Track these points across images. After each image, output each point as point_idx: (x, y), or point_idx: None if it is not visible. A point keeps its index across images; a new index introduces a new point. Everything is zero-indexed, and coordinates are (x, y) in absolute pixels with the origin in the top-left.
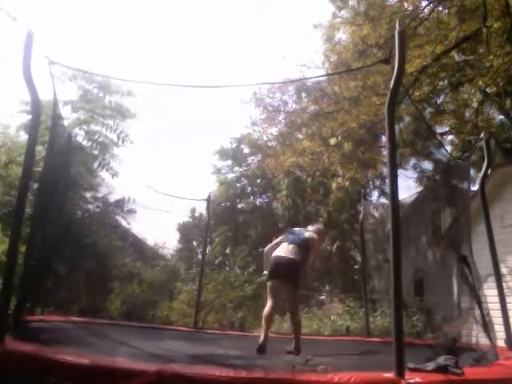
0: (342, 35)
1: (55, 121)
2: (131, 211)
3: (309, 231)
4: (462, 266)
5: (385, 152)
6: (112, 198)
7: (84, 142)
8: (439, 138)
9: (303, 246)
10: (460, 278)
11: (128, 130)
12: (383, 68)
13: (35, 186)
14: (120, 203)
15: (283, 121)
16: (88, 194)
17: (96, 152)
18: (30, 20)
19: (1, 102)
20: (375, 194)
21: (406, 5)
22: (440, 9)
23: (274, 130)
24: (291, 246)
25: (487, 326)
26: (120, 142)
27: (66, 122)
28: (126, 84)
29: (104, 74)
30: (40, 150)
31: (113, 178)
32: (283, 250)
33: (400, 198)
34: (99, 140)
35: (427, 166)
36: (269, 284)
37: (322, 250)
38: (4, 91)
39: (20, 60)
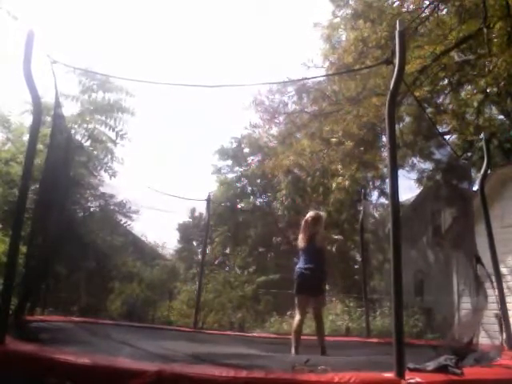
0: (342, 36)
1: (57, 120)
2: (134, 213)
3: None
4: (475, 266)
5: (385, 152)
6: (114, 199)
7: (83, 140)
8: (441, 137)
9: (319, 251)
10: (471, 277)
11: (127, 128)
12: (383, 70)
13: (36, 185)
14: (121, 204)
15: (283, 121)
16: (88, 194)
17: (95, 152)
18: (31, 19)
19: (2, 101)
20: (375, 194)
21: (406, 6)
22: (442, 8)
23: (274, 131)
24: (310, 254)
25: (502, 325)
26: (119, 140)
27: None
28: (126, 83)
29: (105, 73)
30: (41, 150)
31: (111, 178)
32: (306, 258)
33: (401, 199)
34: (98, 138)
35: (428, 166)
36: (297, 298)
37: (325, 236)
38: (5, 90)
39: (21, 59)
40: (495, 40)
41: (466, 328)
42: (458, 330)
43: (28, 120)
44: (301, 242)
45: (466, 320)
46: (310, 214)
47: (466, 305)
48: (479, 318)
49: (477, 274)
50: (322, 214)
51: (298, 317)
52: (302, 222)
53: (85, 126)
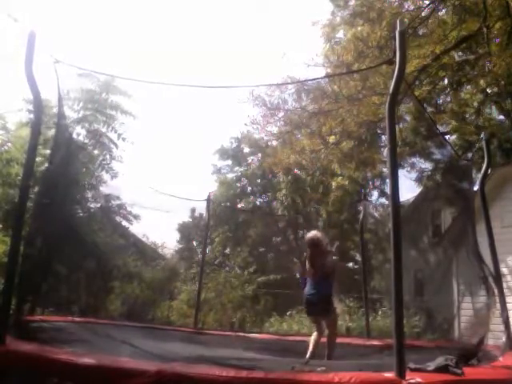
0: (342, 36)
1: (60, 120)
2: (135, 217)
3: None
4: (481, 264)
5: (385, 151)
6: (116, 201)
7: (85, 141)
8: (441, 136)
9: (326, 275)
10: (477, 276)
11: (128, 129)
12: (382, 68)
13: (36, 185)
14: (122, 206)
15: (282, 119)
16: (89, 194)
17: (96, 151)
18: (32, 20)
19: (2, 101)
20: (375, 194)
21: (406, 6)
22: (441, 7)
23: (274, 129)
24: (316, 280)
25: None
26: (120, 142)
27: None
28: (128, 85)
29: (106, 73)
30: (40, 150)
31: (112, 179)
32: (311, 285)
33: (401, 199)
34: (100, 139)
35: (428, 165)
36: (309, 318)
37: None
38: (5, 90)
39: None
40: (495, 40)
41: (477, 328)
42: (469, 330)
43: (24, 118)
44: (309, 272)
45: (476, 320)
46: (310, 236)
47: (466, 305)
48: (489, 317)
49: (484, 273)
50: (320, 235)
51: (314, 332)
52: (306, 251)
53: (86, 126)
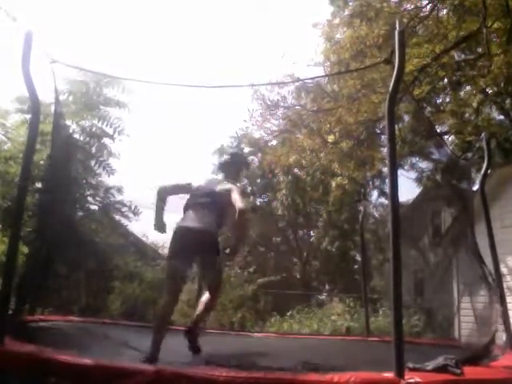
0: (342, 35)
1: (57, 120)
2: (135, 213)
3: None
4: (483, 264)
5: (384, 151)
6: (115, 198)
7: (81, 137)
8: (439, 137)
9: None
10: (479, 275)
11: (125, 124)
12: (381, 65)
13: (34, 185)
14: (122, 203)
15: (281, 116)
16: (89, 193)
17: (93, 149)
18: (30, 19)
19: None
20: (375, 194)
21: (404, 5)
22: (441, 7)
23: (273, 125)
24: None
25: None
26: (116, 135)
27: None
28: (127, 82)
29: (104, 73)
30: (38, 149)
31: (109, 176)
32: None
33: (401, 199)
34: (96, 133)
35: (428, 165)
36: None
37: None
38: (3, 89)
39: (18, 58)
40: (495, 40)
41: (486, 328)
42: (479, 330)
43: (19, 117)
44: None
45: (484, 320)
46: None
47: (466, 304)
48: (495, 316)
49: (485, 272)
50: None
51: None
52: None
53: (82, 122)
